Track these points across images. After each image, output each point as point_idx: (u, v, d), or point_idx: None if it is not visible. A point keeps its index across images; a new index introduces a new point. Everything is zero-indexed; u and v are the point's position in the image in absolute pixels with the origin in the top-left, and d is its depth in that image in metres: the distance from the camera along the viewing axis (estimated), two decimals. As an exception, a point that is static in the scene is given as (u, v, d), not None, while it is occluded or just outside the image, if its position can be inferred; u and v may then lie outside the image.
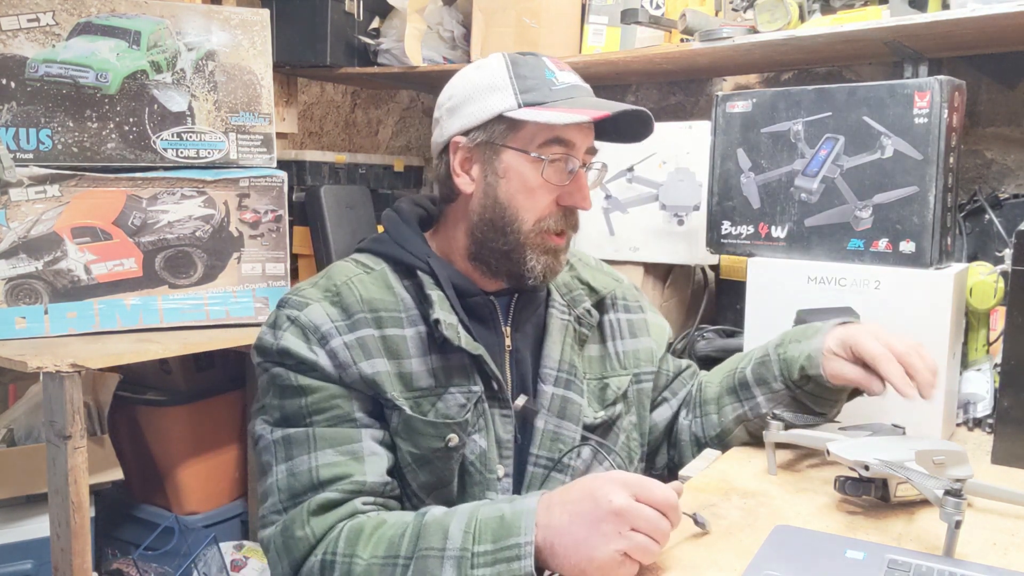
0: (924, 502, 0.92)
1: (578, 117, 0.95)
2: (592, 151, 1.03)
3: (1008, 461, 1.07)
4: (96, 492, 1.80)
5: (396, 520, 0.86)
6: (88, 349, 1.44)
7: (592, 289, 1.13)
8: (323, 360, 0.93)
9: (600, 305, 1.14)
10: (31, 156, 1.54)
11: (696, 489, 0.98)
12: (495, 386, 0.99)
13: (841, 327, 1.04)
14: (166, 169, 1.64)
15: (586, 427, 1.05)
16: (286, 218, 1.72)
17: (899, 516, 0.91)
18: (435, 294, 0.98)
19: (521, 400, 1.00)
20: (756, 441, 1.12)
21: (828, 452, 0.91)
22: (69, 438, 1.33)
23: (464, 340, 0.97)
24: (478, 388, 0.98)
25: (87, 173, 1.57)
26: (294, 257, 1.99)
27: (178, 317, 1.65)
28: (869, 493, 0.92)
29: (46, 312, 1.55)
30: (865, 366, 0.99)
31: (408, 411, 0.94)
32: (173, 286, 1.65)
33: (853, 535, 0.86)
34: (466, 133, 1.00)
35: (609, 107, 0.97)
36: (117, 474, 1.85)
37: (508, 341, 1.04)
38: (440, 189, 1.06)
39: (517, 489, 1.01)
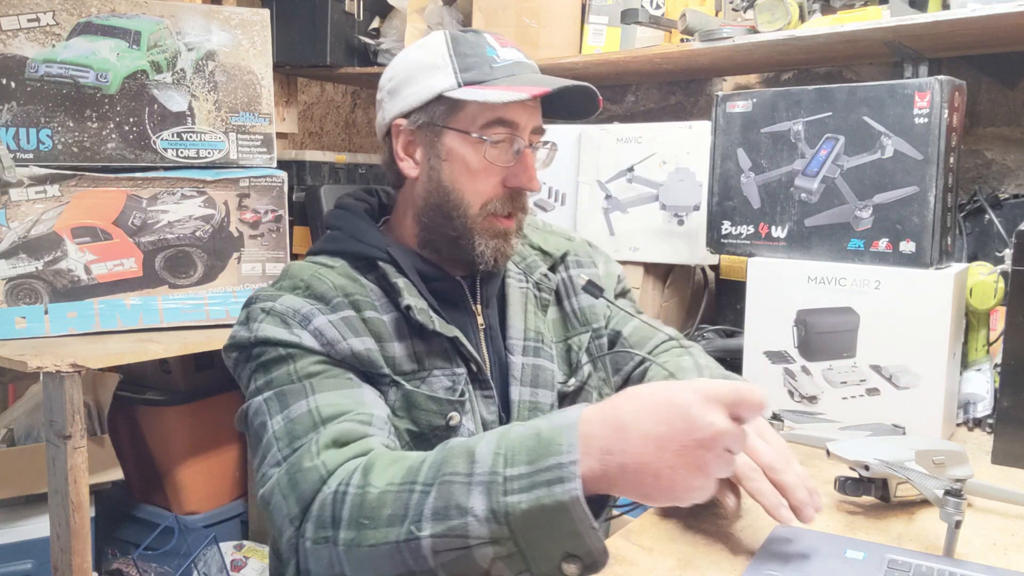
0: (924, 502, 0.92)
1: (517, 95, 0.91)
2: (539, 131, 0.99)
3: (1008, 461, 1.07)
4: (96, 492, 1.80)
5: (405, 453, 0.77)
6: (88, 349, 1.44)
7: (545, 253, 1.10)
8: (307, 340, 0.87)
9: (554, 267, 1.10)
10: (31, 156, 1.54)
11: (696, 489, 0.98)
12: (474, 368, 0.96)
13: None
14: (166, 169, 1.64)
15: (561, 395, 1.03)
16: (286, 218, 1.72)
17: (899, 516, 0.91)
18: (400, 281, 0.94)
19: None
20: None
21: (828, 452, 0.92)
22: (69, 438, 1.33)
23: (438, 324, 0.93)
24: (461, 370, 0.95)
25: (87, 173, 1.57)
26: (294, 257, 1.99)
27: (178, 317, 1.65)
28: (869, 493, 0.92)
29: (46, 312, 1.55)
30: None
31: (408, 385, 0.90)
32: (173, 286, 1.65)
33: (853, 535, 0.86)
34: (407, 116, 0.96)
35: (550, 83, 0.93)
36: (117, 474, 1.85)
37: (480, 319, 1.01)
38: (388, 175, 1.03)
39: None
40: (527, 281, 1.06)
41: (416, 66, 0.96)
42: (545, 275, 1.08)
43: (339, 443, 0.79)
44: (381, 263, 0.96)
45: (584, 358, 1.07)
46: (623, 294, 1.19)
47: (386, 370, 0.90)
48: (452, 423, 0.92)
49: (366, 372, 0.90)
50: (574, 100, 0.99)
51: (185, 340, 1.56)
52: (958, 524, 0.78)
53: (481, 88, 0.92)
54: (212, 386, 2.09)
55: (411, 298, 0.93)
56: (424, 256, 1.00)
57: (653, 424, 0.64)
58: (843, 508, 0.93)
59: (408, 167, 0.98)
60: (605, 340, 1.12)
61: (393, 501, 0.69)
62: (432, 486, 0.68)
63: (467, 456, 0.68)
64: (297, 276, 0.94)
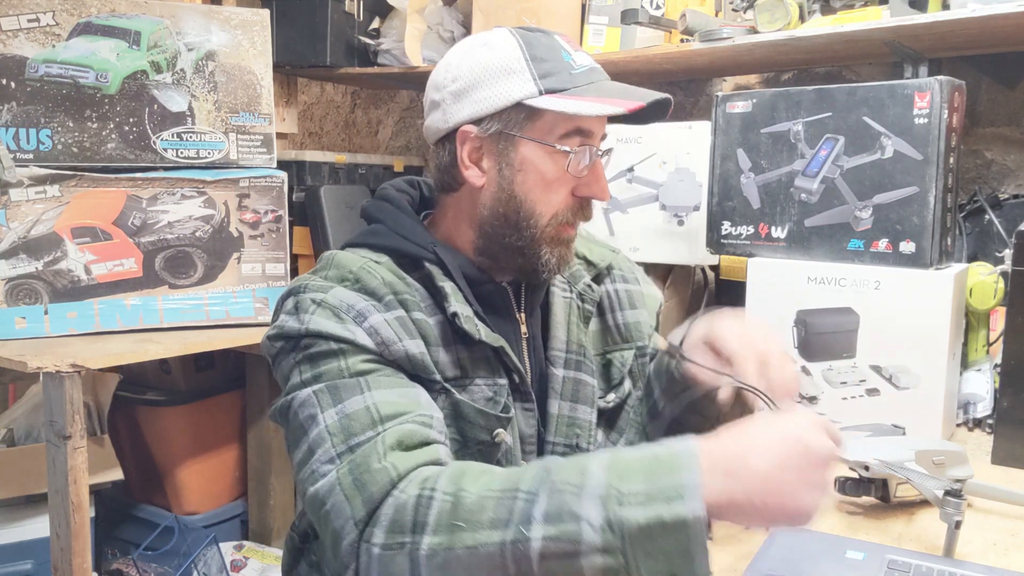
0: (924, 502, 0.92)
1: (611, 108, 0.86)
2: (603, 138, 0.95)
3: (1008, 461, 1.07)
4: (96, 492, 1.80)
5: (507, 468, 0.76)
6: (88, 349, 1.44)
7: (590, 263, 1.06)
8: (362, 338, 0.83)
9: (598, 278, 1.06)
10: (31, 156, 1.54)
11: (696, 489, 0.98)
12: (516, 379, 0.92)
13: (711, 320, 0.93)
14: (166, 169, 1.64)
15: (600, 412, 0.99)
16: (286, 218, 1.72)
17: (899, 516, 0.91)
18: (447, 285, 0.90)
19: None
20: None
21: (828, 452, 0.91)
22: (69, 438, 1.33)
23: (484, 333, 0.89)
24: (503, 380, 0.91)
25: (87, 173, 1.57)
26: (294, 257, 1.99)
27: (178, 317, 1.65)
28: (869, 493, 0.92)
29: (46, 312, 1.55)
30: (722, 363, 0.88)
31: (457, 394, 0.87)
32: (173, 286, 1.65)
33: (853, 535, 0.86)
34: (478, 122, 0.90)
35: (639, 96, 0.89)
36: (117, 474, 1.85)
37: (524, 328, 0.97)
38: (440, 177, 0.97)
39: None
40: (571, 291, 1.02)
41: (487, 68, 0.89)
42: (589, 286, 1.03)
43: (405, 445, 0.75)
44: (427, 263, 0.91)
45: (626, 375, 1.04)
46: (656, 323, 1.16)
47: (437, 376, 0.86)
48: (497, 439, 0.89)
49: (417, 376, 0.86)
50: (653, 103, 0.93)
51: (185, 340, 1.56)
52: (958, 524, 0.78)
53: (565, 97, 0.87)
54: (212, 386, 2.09)
55: (457, 304, 0.89)
56: (471, 259, 0.95)
57: (773, 449, 0.66)
58: (843, 508, 0.93)
59: (474, 175, 0.92)
60: (648, 359, 1.08)
61: (495, 506, 0.67)
62: (538, 494, 0.66)
63: (578, 470, 0.67)
64: (345, 267, 0.89)
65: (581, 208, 0.93)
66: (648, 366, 1.08)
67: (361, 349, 0.83)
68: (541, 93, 0.87)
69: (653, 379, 1.04)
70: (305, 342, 0.84)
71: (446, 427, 0.85)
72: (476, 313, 0.90)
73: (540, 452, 0.95)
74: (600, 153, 0.93)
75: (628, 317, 1.07)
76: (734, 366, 0.85)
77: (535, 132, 0.89)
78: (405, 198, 1.00)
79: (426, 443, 0.77)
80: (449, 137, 0.93)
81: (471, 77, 0.90)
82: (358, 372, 0.81)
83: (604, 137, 0.94)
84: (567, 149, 0.89)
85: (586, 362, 0.99)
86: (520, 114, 0.89)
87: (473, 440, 0.88)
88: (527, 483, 0.68)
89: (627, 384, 1.04)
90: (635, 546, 0.62)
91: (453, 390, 0.87)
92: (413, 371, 0.85)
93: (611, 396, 1.01)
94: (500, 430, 0.88)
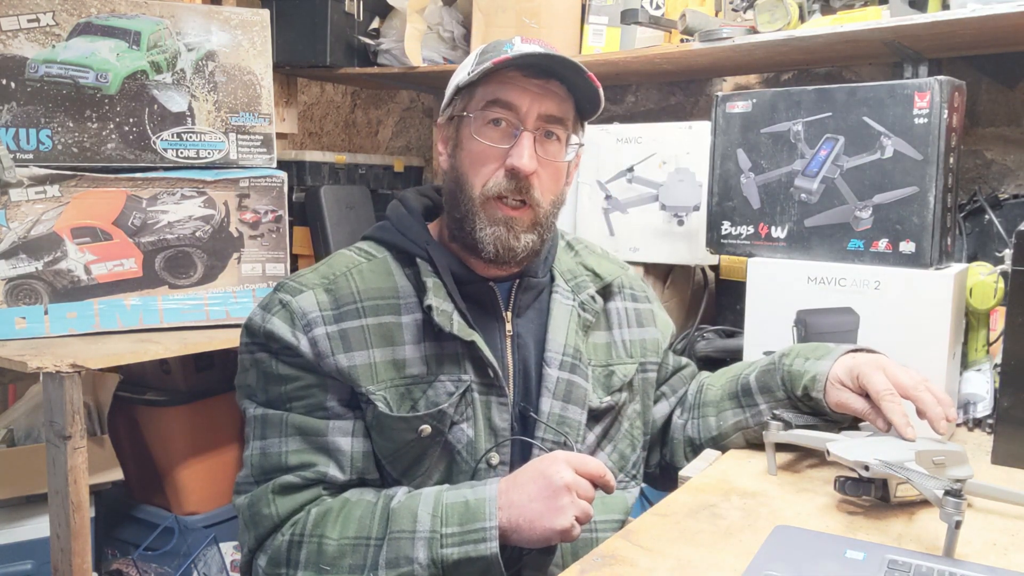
0: (924, 502, 0.92)
1: (485, 67, 0.96)
2: (552, 120, 1.00)
3: (1008, 461, 1.07)
4: (96, 492, 1.80)
5: (360, 499, 0.93)
6: (88, 349, 1.44)
7: (597, 275, 1.12)
8: (304, 346, 0.96)
9: (606, 292, 1.13)
10: (31, 156, 1.54)
11: (696, 489, 0.98)
12: (491, 374, 0.98)
13: (850, 356, 1.02)
14: (166, 169, 1.64)
15: (591, 411, 1.05)
16: (286, 218, 1.72)
17: (899, 516, 0.91)
18: (431, 281, 0.99)
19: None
20: (752, 447, 1.11)
21: (828, 452, 0.91)
22: (69, 438, 1.33)
23: (457, 326, 0.97)
24: (468, 377, 0.98)
25: (87, 173, 1.57)
26: (294, 257, 1.99)
27: (178, 317, 1.65)
28: (869, 493, 0.92)
29: (46, 312, 1.55)
30: (870, 399, 0.97)
31: (379, 407, 0.95)
32: (173, 286, 1.65)
33: (853, 535, 0.86)
34: (443, 115, 1.06)
35: (536, 58, 0.96)
36: (117, 474, 1.85)
37: (509, 326, 1.04)
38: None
39: None
40: (574, 299, 1.08)
41: (454, 75, 1.05)
42: (592, 296, 1.10)
43: (289, 489, 0.94)
44: (419, 259, 1.01)
45: (625, 386, 1.11)
46: (670, 346, 1.22)
47: (365, 388, 0.96)
48: (424, 435, 0.96)
49: (350, 387, 0.97)
50: (585, 93, 1.01)
51: (185, 340, 1.56)
52: (958, 524, 0.78)
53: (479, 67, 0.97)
54: (212, 386, 2.09)
55: (435, 299, 0.97)
56: (460, 257, 1.04)
57: (528, 484, 0.88)
58: (843, 508, 0.93)
59: (443, 160, 1.06)
60: (653, 376, 1.16)
61: (352, 552, 0.89)
62: (384, 540, 0.88)
63: (411, 516, 0.88)
64: (335, 267, 1.02)
65: (509, 181, 0.98)
66: (653, 382, 1.16)
67: (300, 356, 0.96)
68: (470, 75, 0.98)
69: (756, 393, 1.09)
70: (259, 341, 0.98)
71: (377, 435, 0.97)
72: (457, 308, 0.98)
73: (526, 446, 1.01)
74: (533, 131, 0.98)
75: (635, 335, 1.14)
76: (881, 405, 0.95)
77: (467, 110, 1.01)
78: (423, 201, 1.10)
79: (314, 483, 0.95)
80: None
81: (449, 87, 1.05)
82: (287, 399, 0.97)
83: (553, 120, 1.00)
84: (470, 114, 0.99)
85: (581, 366, 1.04)
86: (459, 98, 1.02)
87: (402, 442, 0.97)
88: (375, 531, 0.89)
89: (624, 394, 1.10)
90: (452, 574, 0.87)
91: (378, 404, 0.96)
92: (343, 382, 0.96)
93: (607, 399, 1.07)
94: (424, 426, 0.96)
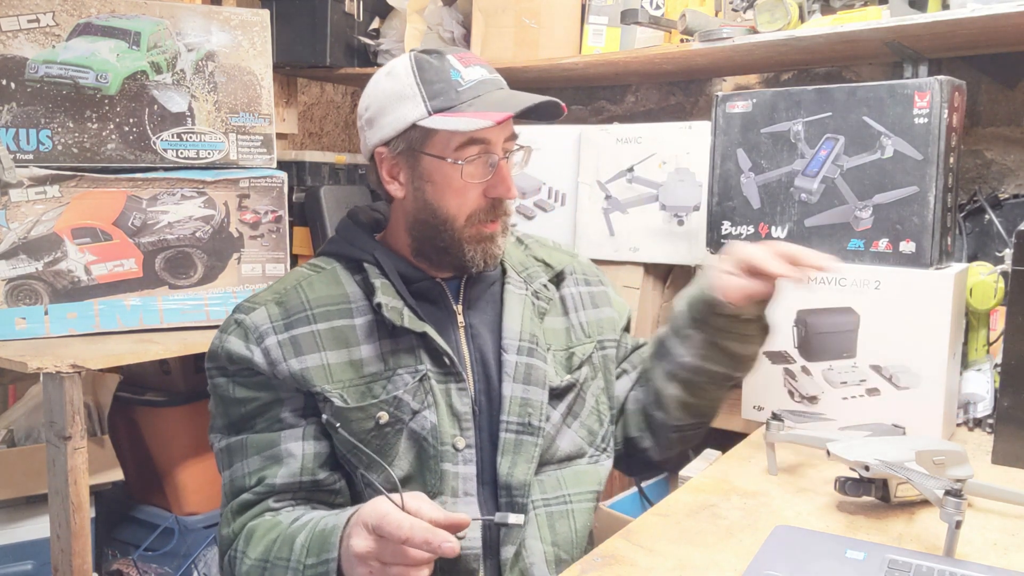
0: (924, 502, 0.92)
1: (483, 122, 0.97)
2: (512, 138, 1.05)
3: (1008, 461, 1.07)
4: (96, 492, 1.80)
5: (277, 522, 0.97)
6: (88, 349, 1.44)
7: (548, 265, 1.17)
8: (257, 357, 1.00)
9: (558, 280, 1.17)
10: (31, 157, 1.54)
11: (696, 489, 0.98)
12: (447, 361, 1.02)
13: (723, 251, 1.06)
14: (166, 170, 1.64)
15: (552, 390, 1.07)
16: (286, 218, 1.72)
17: (899, 516, 0.91)
18: (379, 281, 1.03)
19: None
20: (694, 396, 1.10)
21: (828, 452, 0.92)
22: (69, 439, 1.33)
23: (408, 320, 1.01)
24: (423, 366, 1.01)
25: (87, 174, 1.57)
26: (294, 258, 1.99)
27: (178, 317, 1.65)
28: (869, 493, 0.92)
29: (46, 313, 1.55)
30: (756, 276, 1.00)
31: (337, 402, 0.99)
32: (173, 286, 1.65)
33: (853, 535, 0.86)
34: (387, 144, 1.03)
35: (513, 105, 0.99)
36: (117, 474, 1.85)
37: (460, 318, 1.08)
38: (379, 192, 1.10)
39: (491, 457, 1.03)
40: (527, 289, 1.12)
41: (388, 96, 1.02)
42: (545, 285, 1.14)
43: (243, 508, 1.00)
44: (366, 264, 1.05)
45: (585, 362, 1.14)
46: (627, 327, 1.25)
47: (319, 387, 0.99)
48: (382, 421, 0.99)
49: (305, 392, 1.00)
50: (542, 105, 1.04)
51: (185, 340, 1.56)
52: (958, 524, 0.78)
53: (450, 115, 0.98)
54: (212, 387, 2.09)
55: (383, 297, 1.01)
56: (414, 262, 1.08)
57: (347, 537, 0.88)
58: (843, 508, 0.93)
59: (395, 189, 1.06)
60: (612, 352, 1.18)
61: (259, 572, 0.95)
62: (273, 565, 0.93)
63: (289, 545, 0.92)
64: (286, 283, 1.07)
65: (494, 207, 1.04)
66: (612, 358, 1.18)
67: (255, 370, 1.00)
68: (430, 113, 0.99)
69: (669, 339, 1.12)
70: (219, 364, 1.03)
71: (337, 430, 0.99)
72: (408, 305, 1.03)
73: (493, 430, 1.04)
74: (507, 155, 1.04)
75: (590, 316, 1.18)
76: (763, 267, 0.97)
77: (434, 148, 1.01)
78: (371, 215, 1.14)
79: (262, 500, 1.00)
80: (372, 158, 1.07)
81: (377, 106, 1.04)
82: (248, 418, 1.01)
83: (514, 137, 1.05)
84: (460, 161, 1.00)
85: (538, 350, 1.08)
86: (417, 133, 1.01)
87: (362, 431, 0.99)
88: (274, 552, 0.94)
89: (585, 371, 1.13)
90: None
91: (334, 399, 0.99)
92: (298, 387, 1.00)
93: (567, 377, 1.10)
94: (381, 413, 0.99)
